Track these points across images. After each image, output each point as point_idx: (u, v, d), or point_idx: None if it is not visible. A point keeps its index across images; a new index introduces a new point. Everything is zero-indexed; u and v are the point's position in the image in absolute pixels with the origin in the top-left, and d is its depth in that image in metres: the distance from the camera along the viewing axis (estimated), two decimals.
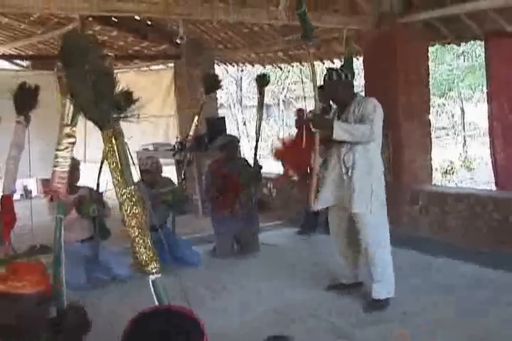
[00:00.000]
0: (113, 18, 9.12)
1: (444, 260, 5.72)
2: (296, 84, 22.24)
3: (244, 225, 6.53)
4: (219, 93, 12.32)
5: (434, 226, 6.55)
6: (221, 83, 6.76)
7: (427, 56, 7.11)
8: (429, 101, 7.18)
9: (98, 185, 5.28)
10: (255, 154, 6.51)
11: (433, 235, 6.53)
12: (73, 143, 2.54)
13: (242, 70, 18.40)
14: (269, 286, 5.29)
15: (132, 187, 2.26)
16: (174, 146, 9.34)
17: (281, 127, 22.93)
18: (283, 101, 23.35)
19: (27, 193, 11.26)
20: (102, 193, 5.38)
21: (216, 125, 9.13)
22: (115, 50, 10.68)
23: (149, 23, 9.44)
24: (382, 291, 4.59)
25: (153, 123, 10.22)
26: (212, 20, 8.12)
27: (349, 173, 4.53)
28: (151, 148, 9.66)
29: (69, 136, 2.51)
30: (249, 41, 9.09)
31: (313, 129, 4.49)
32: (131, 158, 2.36)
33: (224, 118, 9.86)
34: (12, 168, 3.89)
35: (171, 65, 10.14)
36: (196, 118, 6.49)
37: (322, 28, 7.34)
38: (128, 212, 2.25)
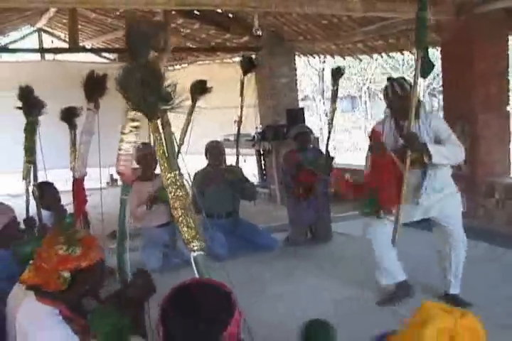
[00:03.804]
0: (195, 11, 9.35)
1: None
2: (381, 76, 22.01)
3: (318, 214, 6.66)
4: (302, 85, 12.38)
5: (511, 220, 6.40)
6: (207, 88, 6.04)
7: (507, 46, 6.93)
8: (508, 93, 7.00)
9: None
10: (327, 145, 6.60)
11: (509, 229, 6.39)
12: (137, 127, 2.66)
13: (324, 62, 18.36)
14: (336, 276, 5.35)
15: (176, 172, 2.41)
16: (254, 136, 9.52)
17: (365, 119, 22.82)
18: (365, 92, 23.18)
19: (113, 181, 11.70)
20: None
21: (294, 115, 9.32)
22: (198, 42, 10.94)
23: (230, 15, 9.61)
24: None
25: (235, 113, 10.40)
26: (287, 12, 8.18)
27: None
28: (232, 138, 9.82)
29: (132, 120, 2.65)
30: (329, 32, 9.09)
31: (408, 151, 4.04)
32: (177, 145, 2.50)
33: (303, 109, 10.01)
34: (83, 152, 4.08)
35: (253, 56, 10.26)
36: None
37: (400, 18, 7.29)
38: (172, 194, 2.40)
